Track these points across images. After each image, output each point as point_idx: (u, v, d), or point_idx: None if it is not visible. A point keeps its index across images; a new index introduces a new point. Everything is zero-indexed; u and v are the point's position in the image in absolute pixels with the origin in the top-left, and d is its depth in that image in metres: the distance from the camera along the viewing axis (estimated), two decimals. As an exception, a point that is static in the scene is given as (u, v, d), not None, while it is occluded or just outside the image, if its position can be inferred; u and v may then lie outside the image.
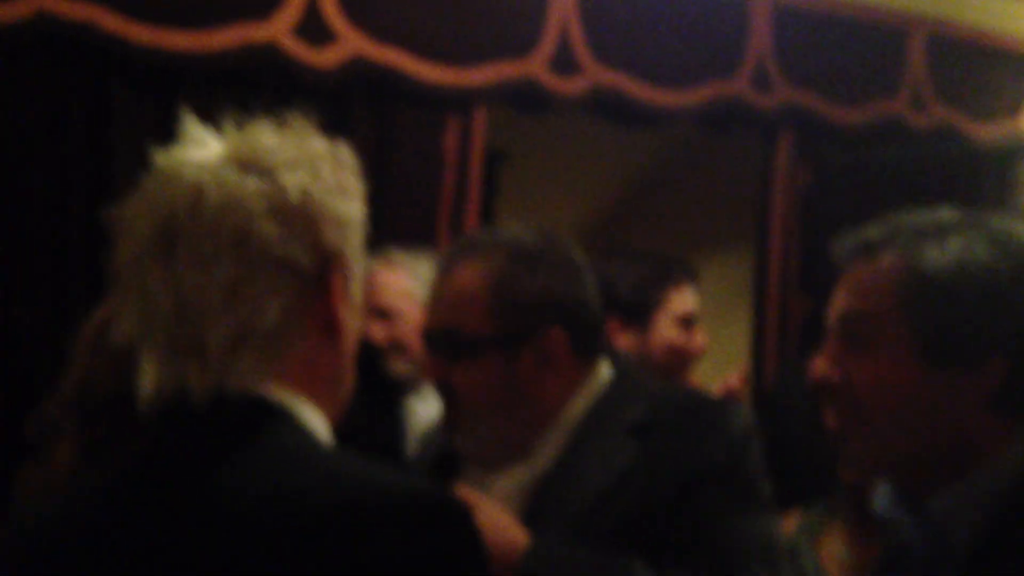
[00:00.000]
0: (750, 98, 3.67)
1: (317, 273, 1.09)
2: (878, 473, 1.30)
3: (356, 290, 1.15)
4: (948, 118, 4.12)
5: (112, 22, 2.60)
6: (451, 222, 3.15)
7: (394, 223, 2.93)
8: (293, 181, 1.06)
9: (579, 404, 1.66)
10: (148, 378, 1.07)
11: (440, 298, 1.65)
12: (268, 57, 2.80)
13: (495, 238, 1.70)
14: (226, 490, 1.01)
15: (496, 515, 1.51)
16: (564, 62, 3.29)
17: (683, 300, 2.55)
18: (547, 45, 3.26)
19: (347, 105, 2.95)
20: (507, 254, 1.63)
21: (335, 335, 1.12)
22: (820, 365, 1.28)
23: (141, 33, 2.63)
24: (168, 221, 1.05)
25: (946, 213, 1.27)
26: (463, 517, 1.01)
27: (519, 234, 1.68)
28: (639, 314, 2.49)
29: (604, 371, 1.70)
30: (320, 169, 1.09)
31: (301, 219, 1.07)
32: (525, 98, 3.30)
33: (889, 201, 1.55)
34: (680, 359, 2.55)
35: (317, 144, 1.11)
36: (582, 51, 3.31)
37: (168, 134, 1.14)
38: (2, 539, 1.17)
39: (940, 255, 1.20)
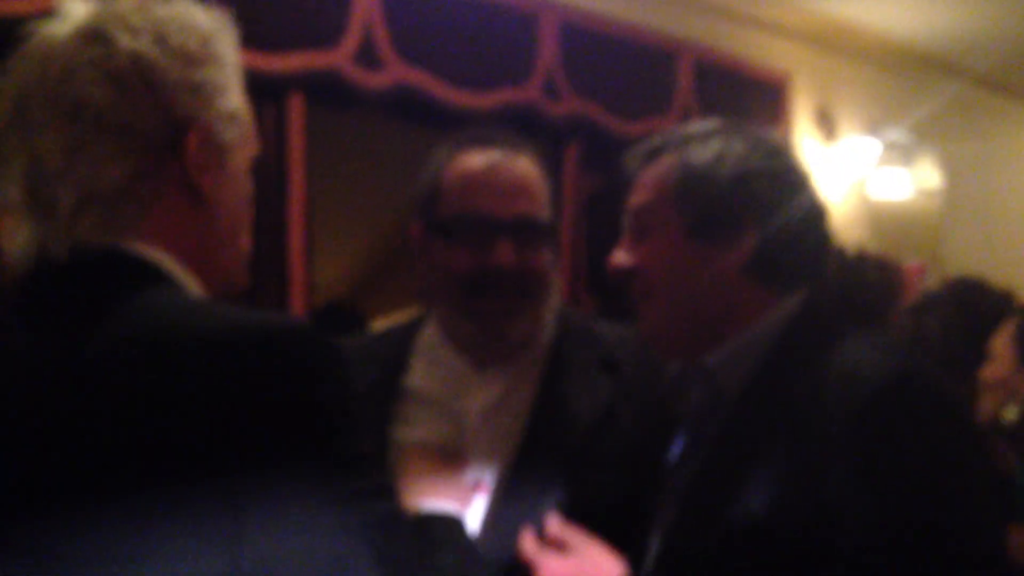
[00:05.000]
0: (541, 105, 3.90)
1: (167, 139, 1.11)
2: (664, 346, 1.48)
3: (237, 156, 1.17)
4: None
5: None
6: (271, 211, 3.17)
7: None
8: (129, 48, 1.09)
9: (550, 331, 1.69)
10: (16, 240, 1.11)
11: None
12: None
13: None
14: (86, 335, 1.02)
15: (593, 551, 1.41)
16: (368, 56, 3.40)
17: None
18: (352, 38, 3.36)
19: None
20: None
21: (199, 200, 1.14)
22: (616, 256, 1.48)
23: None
24: (22, 93, 1.10)
25: (712, 122, 1.51)
26: (324, 344, 1.03)
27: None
28: None
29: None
30: (167, 36, 1.11)
31: (140, 86, 1.09)
32: (331, 91, 3.38)
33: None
34: None
35: (169, 10, 1.14)
36: (385, 47, 3.44)
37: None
38: None
39: (703, 151, 1.44)
